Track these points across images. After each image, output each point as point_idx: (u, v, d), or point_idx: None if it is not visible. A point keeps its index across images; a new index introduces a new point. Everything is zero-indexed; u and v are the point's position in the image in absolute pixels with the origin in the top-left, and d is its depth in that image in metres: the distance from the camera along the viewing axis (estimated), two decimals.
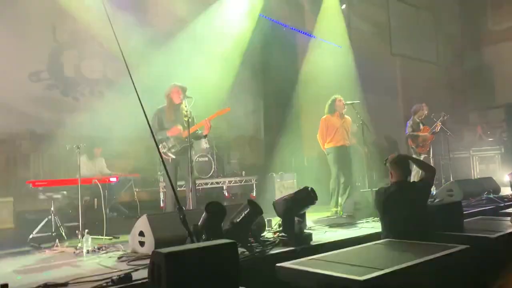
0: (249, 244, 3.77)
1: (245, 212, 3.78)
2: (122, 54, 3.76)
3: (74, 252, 4.28)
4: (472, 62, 15.82)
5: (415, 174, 8.11)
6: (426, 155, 8.09)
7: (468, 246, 3.10)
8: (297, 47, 11.74)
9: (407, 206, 3.74)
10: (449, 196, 6.59)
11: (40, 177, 7.83)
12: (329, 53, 11.89)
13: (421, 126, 8.16)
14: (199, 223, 3.60)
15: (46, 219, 5.11)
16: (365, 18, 12.38)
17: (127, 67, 3.79)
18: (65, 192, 5.94)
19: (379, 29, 12.95)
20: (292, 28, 10.63)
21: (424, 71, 14.22)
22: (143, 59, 9.70)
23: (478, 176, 10.27)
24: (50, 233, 4.99)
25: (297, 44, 11.71)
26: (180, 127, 5.45)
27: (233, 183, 9.48)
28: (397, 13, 12.96)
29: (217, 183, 9.18)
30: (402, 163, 3.91)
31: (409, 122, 8.17)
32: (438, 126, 8.09)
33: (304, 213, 4.38)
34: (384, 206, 3.84)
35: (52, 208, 5.14)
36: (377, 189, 4.33)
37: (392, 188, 3.84)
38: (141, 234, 4.05)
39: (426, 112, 8.12)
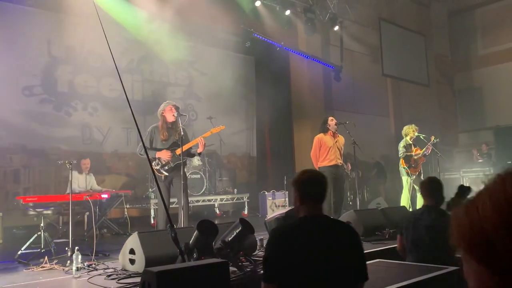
0: (240, 263, 3.75)
1: (237, 231, 3.77)
2: (117, 69, 3.78)
3: (63, 270, 4.23)
4: (462, 85, 16.09)
5: (420, 196, 8.14)
6: (417, 176, 8.14)
7: (457, 268, 3.12)
8: (290, 66, 11.88)
9: (432, 231, 3.70)
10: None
11: (30, 192, 7.77)
12: (322, 72, 12.04)
13: (413, 148, 8.23)
14: (190, 242, 3.58)
15: (36, 235, 5.05)
16: (357, 39, 12.59)
17: (121, 83, 3.82)
18: (54, 208, 5.89)
19: (370, 50, 13.17)
20: (285, 48, 10.77)
21: (415, 92, 14.44)
22: (138, 75, 9.77)
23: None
24: (39, 250, 4.92)
25: (290, 63, 11.86)
26: (169, 152, 5.44)
27: (224, 201, 9.46)
28: (389, 35, 13.19)
29: (209, 200, 9.15)
30: (430, 187, 3.84)
31: (401, 143, 8.24)
32: (429, 149, 8.17)
33: None
34: (413, 228, 3.80)
35: (42, 224, 5.07)
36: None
37: (420, 211, 3.80)
38: (132, 251, 4.02)
39: (416, 133, 8.20)
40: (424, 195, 3.81)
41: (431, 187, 3.74)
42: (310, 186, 2.27)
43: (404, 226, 3.83)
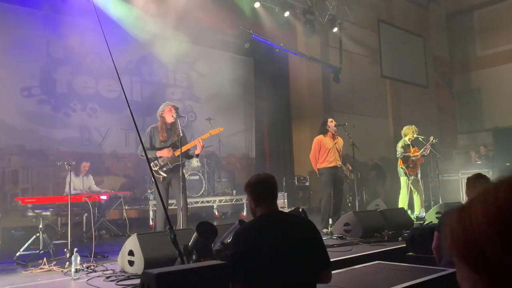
0: None
1: None
2: (116, 70, 3.77)
3: (62, 271, 4.22)
4: (461, 86, 16.12)
5: (417, 197, 8.16)
6: (415, 177, 8.16)
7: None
8: (289, 68, 11.89)
9: None
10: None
11: (28, 193, 7.75)
12: (321, 74, 12.05)
13: (411, 148, 8.25)
14: (189, 243, 3.58)
15: (34, 237, 5.04)
16: (356, 41, 12.61)
17: (121, 84, 3.81)
18: (53, 209, 5.88)
19: (369, 52, 13.19)
20: (284, 49, 10.77)
21: (414, 94, 14.47)
22: (137, 76, 9.77)
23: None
24: (37, 251, 4.91)
25: (290, 65, 11.87)
26: (171, 150, 5.44)
27: (223, 202, 9.45)
28: (388, 37, 13.21)
29: (208, 201, 9.14)
30: (475, 183, 3.73)
31: (400, 144, 8.25)
32: (428, 150, 8.18)
33: None
34: None
35: (40, 225, 5.06)
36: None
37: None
38: (131, 253, 4.02)
39: (415, 134, 8.22)
40: (469, 192, 3.69)
41: (477, 183, 3.60)
42: (261, 187, 2.42)
43: (443, 223, 3.68)
